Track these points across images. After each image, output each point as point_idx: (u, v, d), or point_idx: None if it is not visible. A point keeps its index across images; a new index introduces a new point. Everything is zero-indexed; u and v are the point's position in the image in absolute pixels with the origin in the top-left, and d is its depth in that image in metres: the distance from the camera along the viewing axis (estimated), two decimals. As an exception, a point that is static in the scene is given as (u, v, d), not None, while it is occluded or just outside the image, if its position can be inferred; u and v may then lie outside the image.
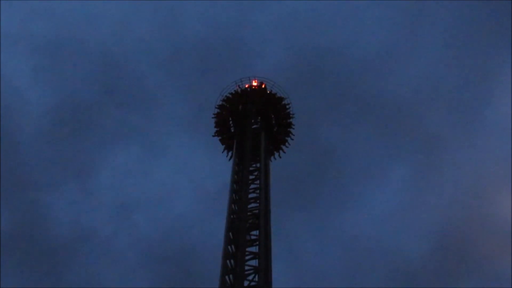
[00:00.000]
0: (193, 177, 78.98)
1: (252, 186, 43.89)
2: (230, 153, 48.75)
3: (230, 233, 40.11)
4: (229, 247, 39.33)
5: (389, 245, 70.14)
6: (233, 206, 42.28)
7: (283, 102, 49.79)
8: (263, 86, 50.80)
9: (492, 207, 72.27)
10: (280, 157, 49.63)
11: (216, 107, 49.69)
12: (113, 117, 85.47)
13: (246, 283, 38.00)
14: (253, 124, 48.60)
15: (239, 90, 49.80)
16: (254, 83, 50.75)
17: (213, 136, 49.61)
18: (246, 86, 50.70)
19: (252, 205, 42.38)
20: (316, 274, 68.90)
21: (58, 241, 69.30)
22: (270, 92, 49.98)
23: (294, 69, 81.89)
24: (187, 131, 77.77)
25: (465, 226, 70.63)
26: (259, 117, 49.27)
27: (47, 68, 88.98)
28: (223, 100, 49.54)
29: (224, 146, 49.51)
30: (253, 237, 40.26)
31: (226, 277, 37.78)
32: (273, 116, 49.65)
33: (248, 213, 41.63)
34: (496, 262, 68.87)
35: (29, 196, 71.69)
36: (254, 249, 39.54)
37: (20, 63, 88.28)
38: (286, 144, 49.81)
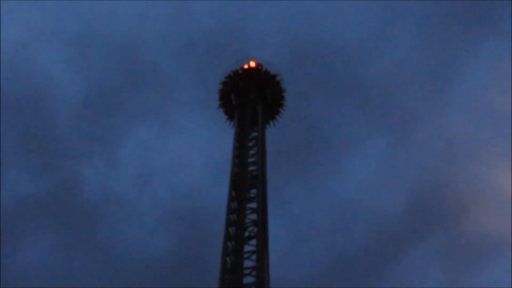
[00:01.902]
0: (202, 150, 79.33)
1: (251, 152, 44.61)
2: (232, 123, 49.36)
3: (233, 191, 40.65)
4: (231, 203, 39.95)
5: (368, 205, 70.59)
6: (235, 168, 42.40)
7: (277, 79, 50.27)
8: (259, 67, 50.76)
9: (457, 171, 72.78)
10: (274, 125, 50.50)
11: (220, 83, 50.24)
12: (134, 99, 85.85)
13: (246, 234, 38.74)
14: (251, 98, 49.09)
15: (239, 69, 50.26)
16: (252, 64, 50.85)
17: (218, 107, 50.40)
18: (245, 66, 50.76)
19: (251, 167, 43.00)
20: (307, 229, 69.55)
21: (89, 204, 69.55)
22: (266, 70, 50.45)
23: (288, 55, 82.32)
24: (198, 111, 78.29)
25: (434, 188, 71.09)
26: (257, 91, 49.61)
27: (77, 58, 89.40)
28: (226, 77, 50.07)
29: (227, 116, 50.10)
30: (252, 195, 40.72)
31: (229, 228, 38.22)
32: (268, 90, 50.08)
33: (248, 175, 42.07)
34: (459, 218, 69.54)
35: (65, 165, 71.97)
36: (253, 205, 40.04)
37: (54, 54, 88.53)
38: (280, 114, 50.61)
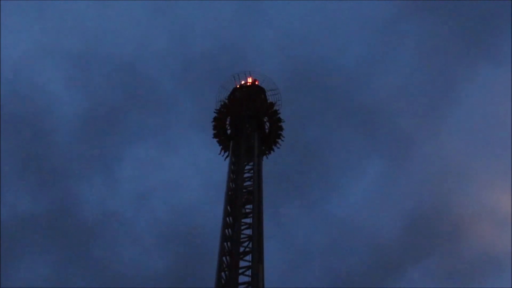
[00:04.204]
0: (200, 169, 79.45)
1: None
2: (226, 153, 46.70)
3: (228, 206, 40.27)
4: (227, 218, 39.57)
5: (366, 225, 70.63)
6: (230, 184, 42.07)
7: (275, 108, 47.98)
8: (256, 82, 49.41)
9: (455, 193, 72.73)
10: (271, 155, 47.88)
11: (214, 111, 47.93)
12: (134, 119, 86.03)
13: (241, 249, 38.30)
14: (247, 127, 46.81)
15: (235, 91, 48.37)
16: (249, 80, 49.24)
17: (213, 137, 47.78)
18: (242, 82, 49.49)
19: (247, 182, 42.42)
20: (304, 248, 69.38)
21: (88, 223, 69.65)
22: (263, 98, 48.42)
23: (286, 77, 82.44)
24: (196, 131, 78.34)
25: (431, 209, 71.09)
26: (253, 121, 47.15)
27: (77, 77, 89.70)
28: (221, 106, 47.85)
29: (221, 147, 47.43)
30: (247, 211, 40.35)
31: (225, 243, 38.01)
32: (265, 120, 48.01)
33: (243, 190, 41.66)
34: (458, 239, 69.43)
35: (63, 184, 72.15)
36: (249, 220, 39.47)
37: (54, 72, 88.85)
38: (277, 145, 47.98)
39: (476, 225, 69.11)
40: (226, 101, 48.03)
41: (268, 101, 48.33)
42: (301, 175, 70.64)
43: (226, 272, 37.03)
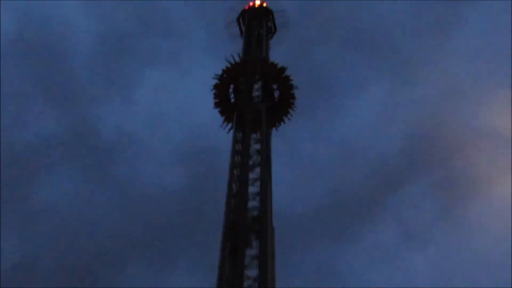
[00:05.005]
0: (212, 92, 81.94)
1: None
2: (229, 125, 42.31)
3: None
4: (237, 133, 39.72)
5: (369, 144, 73.56)
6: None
7: (285, 73, 42.85)
8: (264, 4, 47.00)
9: (455, 114, 75.06)
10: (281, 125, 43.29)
11: (215, 77, 43.07)
12: (148, 44, 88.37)
13: (251, 162, 38.30)
14: (254, 95, 42.15)
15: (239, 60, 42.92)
16: (257, 2, 46.71)
17: (214, 107, 43.14)
18: (251, 4, 47.36)
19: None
20: (310, 166, 72.55)
21: (106, 142, 72.69)
22: (272, 63, 43.17)
23: (296, 3, 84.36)
24: (208, 54, 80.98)
25: (431, 128, 73.50)
26: (260, 87, 42.71)
27: (93, 3, 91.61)
28: (223, 71, 42.75)
29: (224, 117, 42.84)
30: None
31: (235, 157, 38.13)
32: (275, 87, 43.02)
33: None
34: (455, 158, 71.86)
35: (83, 106, 75.11)
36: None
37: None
38: (288, 116, 42.92)
39: (475, 144, 71.96)
40: (229, 65, 42.19)
41: (279, 66, 42.77)
42: (308, 96, 73.42)
43: (237, 183, 37.48)
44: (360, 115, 77.03)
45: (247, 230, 34.57)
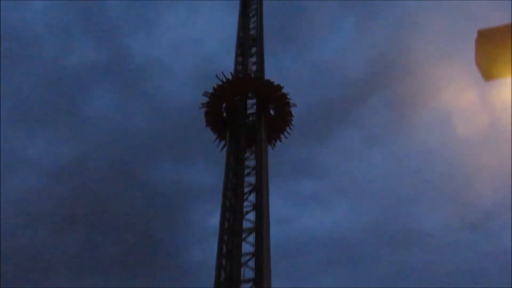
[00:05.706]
0: (222, 27, 79.75)
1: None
2: (222, 143, 38.29)
3: (239, 50, 40.62)
4: (238, 57, 40.43)
5: (340, 66, 73.77)
6: (240, 32, 41.72)
7: (282, 91, 38.56)
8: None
9: (414, 40, 72.07)
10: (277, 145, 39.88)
11: (205, 94, 37.96)
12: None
13: None
14: (248, 115, 38.20)
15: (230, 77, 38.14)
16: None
17: (206, 126, 38.62)
18: None
19: (252, 32, 41.82)
20: (292, 82, 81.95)
21: (137, 67, 77.13)
22: (268, 81, 38.46)
23: None
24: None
25: (393, 53, 69.47)
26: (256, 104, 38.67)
27: None
28: (214, 89, 37.88)
29: (216, 135, 38.71)
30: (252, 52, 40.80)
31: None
32: (271, 106, 39.21)
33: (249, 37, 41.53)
34: (414, 76, 70.02)
35: (117, 38, 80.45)
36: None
37: None
38: (285, 134, 39.29)
39: (433, 66, 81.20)
40: (221, 83, 37.70)
41: (275, 84, 38.48)
42: (290, 28, 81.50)
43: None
44: (332, 43, 77.89)
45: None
